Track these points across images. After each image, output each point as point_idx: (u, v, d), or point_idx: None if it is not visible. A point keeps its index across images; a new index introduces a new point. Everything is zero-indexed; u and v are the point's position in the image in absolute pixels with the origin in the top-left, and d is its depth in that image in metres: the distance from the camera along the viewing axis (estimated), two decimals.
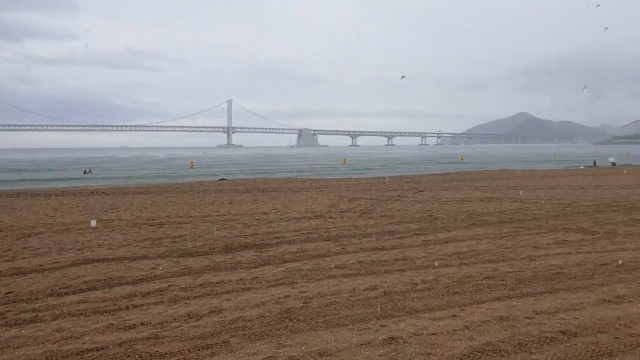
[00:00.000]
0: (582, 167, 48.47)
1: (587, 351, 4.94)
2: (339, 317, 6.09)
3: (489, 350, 4.96)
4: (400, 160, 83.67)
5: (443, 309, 6.25)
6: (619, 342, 5.12)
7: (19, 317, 6.41)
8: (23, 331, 5.92)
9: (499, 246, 10.10)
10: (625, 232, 11.44)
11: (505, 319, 5.82)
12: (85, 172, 49.76)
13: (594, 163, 52.89)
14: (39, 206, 19.27)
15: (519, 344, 5.12)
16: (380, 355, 4.94)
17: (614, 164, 50.38)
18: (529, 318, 5.86)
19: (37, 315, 6.45)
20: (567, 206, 16.28)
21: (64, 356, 5.17)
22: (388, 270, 8.29)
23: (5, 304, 6.96)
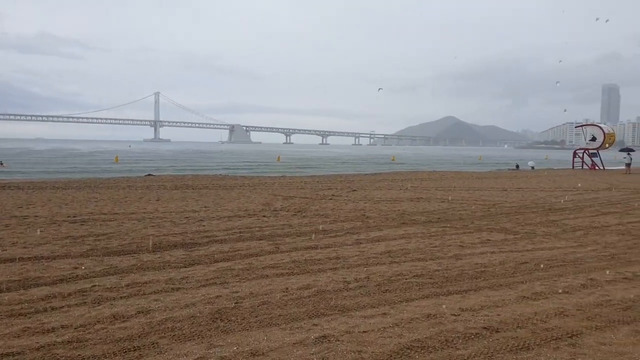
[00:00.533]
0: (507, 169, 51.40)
1: (508, 345, 5.25)
2: (271, 317, 6.05)
3: (417, 347, 5.14)
4: (334, 159, 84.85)
5: (374, 307, 6.40)
6: (536, 337, 5.50)
7: None
8: None
9: (427, 245, 10.52)
10: (543, 233, 12.30)
11: (433, 316, 6.06)
12: None
13: (517, 166, 55.74)
14: None
15: (446, 340, 5.34)
16: (313, 354, 4.97)
17: (533, 167, 53.77)
18: (455, 315, 6.13)
19: None
20: (491, 207, 17.26)
21: None
22: (321, 269, 8.36)
23: None
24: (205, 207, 16.64)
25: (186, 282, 7.59)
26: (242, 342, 5.28)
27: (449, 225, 13.19)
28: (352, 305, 6.47)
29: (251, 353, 4.99)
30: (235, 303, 6.58)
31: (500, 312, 6.27)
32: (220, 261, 9.01)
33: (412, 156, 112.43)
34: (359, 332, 5.53)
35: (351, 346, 5.14)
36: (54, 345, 5.17)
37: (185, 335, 5.49)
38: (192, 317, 6.06)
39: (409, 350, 5.04)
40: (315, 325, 5.78)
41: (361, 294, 7.00)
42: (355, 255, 9.42)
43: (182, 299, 6.77)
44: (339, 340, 5.29)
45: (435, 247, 10.34)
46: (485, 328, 5.71)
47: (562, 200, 19.52)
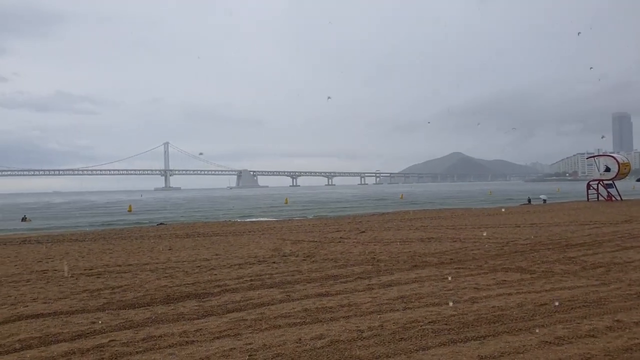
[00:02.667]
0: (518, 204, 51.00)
1: None
2: None
3: None
4: (341, 200, 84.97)
5: (389, 357, 6.34)
6: None
7: None
8: None
9: (441, 288, 10.40)
10: (562, 271, 12.01)
11: None
12: (23, 219, 48.01)
13: (529, 200, 55.10)
14: None
15: None
16: None
17: (545, 201, 53.20)
18: None
19: None
20: (505, 245, 17.06)
21: None
22: (333, 318, 8.33)
23: None
24: (216, 254, 16.71)
25: (200, 335, 7.60)
26: None
27: (462, 267, 13.06)
28: (367, 356, 6.42)
29: None
30: (249, 356, 6.57)
31: (521, 359, 6.12)
32: (233, 311, 9.01)
33: (421, 194, 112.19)
34: None
35: None
36: None
37: None
38: None
39: None
40: None
41: (376, 343, 6.95)
42: (368, 302, 9.37)
43: (197, 352, 6.78)
44: None
45: (450, 290, 10.22)
46: None
47: (579, 235, 19.17)
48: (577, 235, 19.15)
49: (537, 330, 7.29)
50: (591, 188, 52.12)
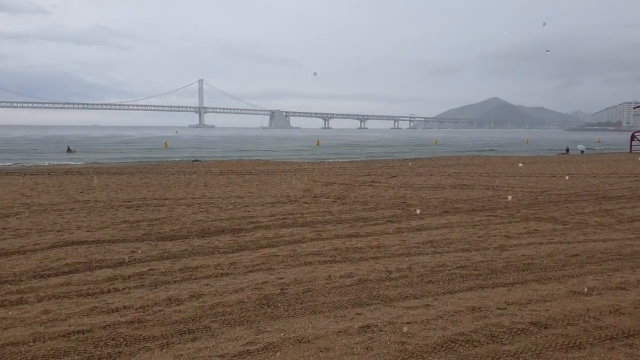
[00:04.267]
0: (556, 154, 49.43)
1: (557, 343, 5.16)
2: (315, 305, 6.27)
3: (462, 340, 5.20)
4: (373, 143, 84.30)
5: (417, 298, 6.49)
6: (588, 335, 5.35)
7: (4, 298, 6.44)
8: (10, 312, 5.95)
9: (471, 235, 10.41)
10: (596, 223, 11.77)
11: (478, 309, 6.07)
12: (68, 151, 50.10)
13: (567, 150, 53.26)
14: (14, 185, 18.81)
15: (491, 334, 5.34)
16: (357, 343, 5.14)
17: (582, 151, 51.36)
18: (500, 309, 6.09)
19: (22, 297, 6.47)
20: (539, 194, 16.75)
21: (51, 338, 5.24)
22: (363, 258, 8.51)
23: None
24: (249, 192, 17.09)
25: (234, 268, 7.93)
26: (288, 329, 5.52)
27: (493, 214, 12.97)
28: (394, 296, 6.59)
29: (297, 340, 5.22)
30: (280, 289, 6.84)
31: (549, 308, 6.14)
32: (266, 247, 9.32)
33: (455, 139, 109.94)
34: (402, 323, 5.65)
35: (394, 337, 5.28)
36: (119, 324, 5.60)
37: (234, 320, 5.80)
38: (241, 302, 6.37)
39: (453, 344, 5.12)
40: (359, 314, 5.95)
41: (403, 284, 7.10)
42: (397, 245, 9.49)
43: (231, 284, 7.10)
44: (382, 331, 5.44)
45: (480, 237, 10.23)
46: (532, 323, 5.63)
47: (618, 188, 18.57)
48: (615, 188, 18.55)
49: (566, 281, 7.26)
50: (636, 139, 49.80)
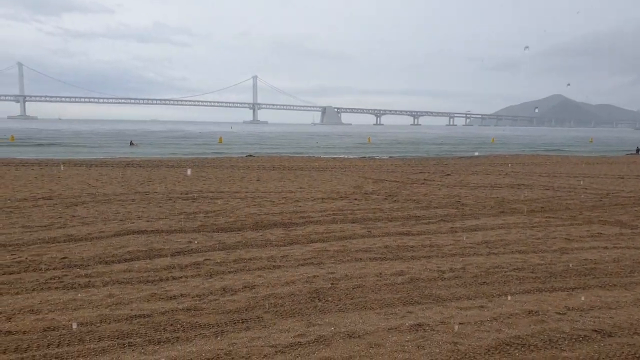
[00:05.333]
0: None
1: (623, 353, 4.88)
2: (366, 301, 6.27)
3: (517, 344, 5.04)
4: (427, 141, 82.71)
5: (471, 299, 6.34)
6: None
7: (74, 281, 6.91)
8: (79, 295, 6.38)
9: (529, 236, 10.03)
10: None
11: (535, 313, 5.85)
12: (130, 144, 52.91)
13: (637, 150, 49.83)
14: (82, 176, 20.06)
15: (549, 340, 5.14)
16: (408, 341, 5.10)
17: None
18: (560, 314, 5.85)
19: (90, 281, 6.92)
20: (604, 196, 15.87)
21: (115, 320, 5.57)
22: (414, 257, 8.40)
23: (62, 269, 7.49)
24: (300, 188, 17.29)
25: (286, 261, 8.07)
26: (339, 323, 5.56)
27: (553, 216, 12.42)
28: (447, 296, 6.47)
29: (348, 334, 5.25)
30: (331, 284, 6.89)
31: (613, 315, 5.83)
32: (317, 242, 9.41)
33: (513, 137, 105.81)
34: (454, 323, 5.55)
35: (447, 337, 5.19)
36: (176, 311, 5.86)
37: (286, 311, 5.91)
38: (292, 294, 6.47)
39: (508, 347, 4.96)
40: (410, 312, 5.89)
41: (457, 284, 6.96)
42: (450, 244, 9.30)
43: (283, 276, 7.23)
44: (434, 330, 5.36)
45: (538, 239, 9.83)
46: (595, 331, 5.37)
47: None
48: None
49: (634, 288, 6.85)
50: None
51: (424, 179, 20.60)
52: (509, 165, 28.94)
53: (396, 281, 7.05)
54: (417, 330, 5.37)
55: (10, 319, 5.56)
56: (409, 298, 6.38)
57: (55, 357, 4.69)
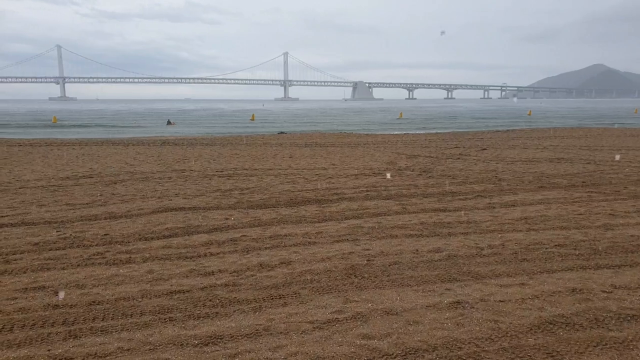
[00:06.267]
0: None
1: None
2: (403, 278, 6.22)
3: (561, 322, 4.89)
4: (461, 114, 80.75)
5: (511, 276, 6.20)
6: None
7: (116, 257, 7.12)
8: (120, 270, 6.58)
9: (570, 212, 9.69)
10: None
11: (579, 291, 5.66)
12: (168, 123, 53.66)
13: None
14: (120, 155, 20.60)
15: (595, 319, 4.98)
16: (447, 318, 5.04)
17: None
18: (606, 292, 5.64)
19: (130, 257, 7.12)
20: None
21: (156, 295, 5.73)
22: (451, 233, 8.26)
23: (104, 245, 7.74)
24: (332, 164, 17.22)
25: (321, 237, 8.08)
26: (376, 300, 5.54)
27: (596, 191, 11.95)
28: (486, 273, 6.34)
29: (385, 311, 5.22)
30: (367, 260, 6.86)
31: None
32: (351, 218, 9.37)
33: (551, 110, 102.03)
34: (494, 301, 5.44)
35: (487, 315, 5.09)
36: (215, 287, 5.97)
37: (323, 288, 5.92)
38: (329, 271, 6.48)
39: (551, 326, 4.83)
40: (448, 289, 5.81)
41: (496, 261, 6.81)
42: (488, 220, 9.09)
43: (318, 252, 7.25)
44: (473, 308, 5.27)
45: (580, 214, 9.49)
46: None
47: None
48: None
49: None
50: None
51: (459, 154, 20.17)
52: (548, 138, 27.96)
53: (433, 258, 6.96)
54: (456, 307, 5.29)
55: (58, 293, 5.79)
56: (447, 275, 6.29)
57: (101, 331, 4.86)
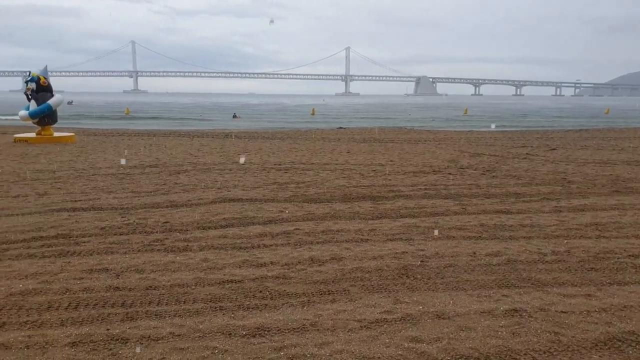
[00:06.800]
0: None
1: None
2: (457, 281, 5.99)
3: (632, 340, 4.49)
4: (530, 112, 76.91)
5: (576, 286, 5.79)
6: None
7: (174, 245, 7.39)
8: (177, 258, 6.82)
9: None
10: None
11: None
12: (234, 117, 55.42)
13: None
14: (184, 146, 21.46)
15: None
16: (502, 326, 4.78)
17: None
18: None
19: (187, 245, 7.36)
20: None
21: (209, 284, 5.88)
22: (513, 237, 7.86)
23: (163, 232, 8.06)
24: (390, 161, 16.97)
25: (374, 234, 7.96)
26: (428, 302, 5.37)
27: None
28: (548, 280, 5.97)
29: (437, 315, 5.05)
30: (420, 261, 6.67)
31: None
32: (406, 217, 9.16)
33: (633, 108, 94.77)
34: (556, 311, 5.09)
35: (546, 326, 4.78)
36: (266, 278, 6.04)
37: (373, 286, 5.82)
38: (380, 269, 6.37)
39: (620, 343, 4.45)
40: (505, 296, 5.52)
41: (559, 269, 6.39)
42: (554, 225, 8.57)
43: (370, 250, 7.14)
44: (532, 317, 4.97)
45: None
46: None
47: None
48: None
49: None
50: None
51: (526, 154, 19.21)
52: (626, 139, 25.98)
53: (491, 262, 6.65)
54: (512, 315, 5.01)
55: (119, 276, 6.09)
56: (505, 280, 5.98)
57: (155, 315, 5.05)
